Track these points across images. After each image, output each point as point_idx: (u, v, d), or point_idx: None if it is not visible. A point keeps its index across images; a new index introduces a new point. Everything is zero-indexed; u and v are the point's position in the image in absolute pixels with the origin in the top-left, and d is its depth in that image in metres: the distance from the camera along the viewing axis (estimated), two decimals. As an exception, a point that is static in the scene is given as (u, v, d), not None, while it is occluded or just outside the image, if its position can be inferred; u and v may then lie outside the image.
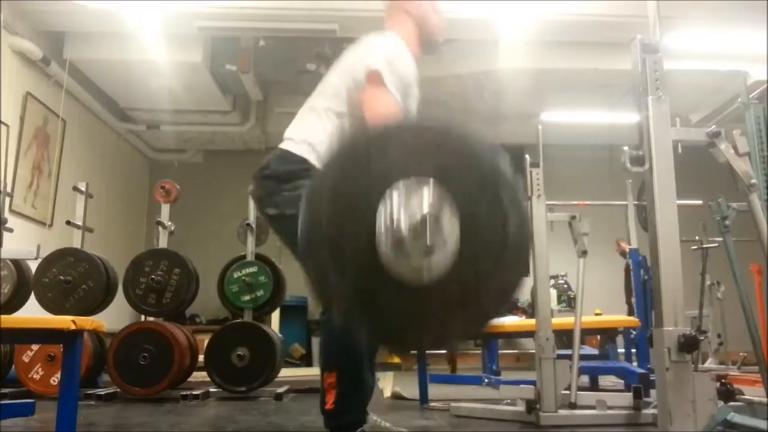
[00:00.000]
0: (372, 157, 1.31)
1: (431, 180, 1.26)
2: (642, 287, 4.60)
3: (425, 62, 6.85)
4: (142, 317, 4.34)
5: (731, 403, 2.04)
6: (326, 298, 1.32)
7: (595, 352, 5.05)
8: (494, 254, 1.29)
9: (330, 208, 1.29)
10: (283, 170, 1.93)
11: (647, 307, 4.56)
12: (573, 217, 3.05)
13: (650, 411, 2.68)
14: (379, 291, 1.28)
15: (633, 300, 5.01)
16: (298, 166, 1.91)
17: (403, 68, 1.94)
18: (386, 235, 1.23)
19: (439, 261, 1.24)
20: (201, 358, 4.00)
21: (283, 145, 2.00)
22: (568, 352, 3.10)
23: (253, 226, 4.16)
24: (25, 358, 3.68)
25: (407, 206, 1.23)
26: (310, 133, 1.97)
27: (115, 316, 4.33)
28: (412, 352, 1.39)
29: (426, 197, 1.24)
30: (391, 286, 1.25)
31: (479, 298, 1.30)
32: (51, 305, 3.75)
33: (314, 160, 1.91)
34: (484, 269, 1.29)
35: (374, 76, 1.85)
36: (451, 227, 1.25)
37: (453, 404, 3.06)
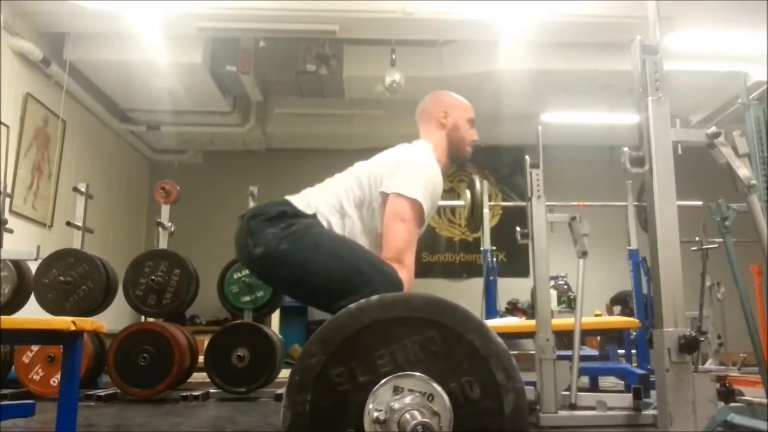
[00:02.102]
0: (369, 337, 1.29)
1: (421, 375, 1.26)
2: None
3: (425, 63, 6.86)
4: (142, 318, 4.34)
5: (731, 404, 2.04)
6: None
7: (595, 353, 5.05)
8: None
9: (316, 395, 1.27)
10: (276, 210, 1.83)
11: (647, 307, 4.56)
12: (573, 218, 3.05)
13: (650, 412, 2.68)
14: None
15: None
16: (294, 211, 1.84)
17: (434, 191, 1.88)
18: (375, 428, 1.22)
19: None
20: (201, 359, 4.00)
21: (286, 197, 1.92)
22: (568, 353, 3.10)
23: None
24: (25, 359, 3.68)
25: (398, 405, 1.22)
26: (317, 201, 1.89)
27: (115, 317, 4.33)
28: None
29: (415, 397, 1.24)
30: None
31: None
32: (51, 306, 3.75)
33: (309, 212, 1.85)
34: None
35: (409, 205, 1.78)
36: (444, 415, 1.24)
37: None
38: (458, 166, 8.73)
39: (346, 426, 1.25)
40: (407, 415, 1.21)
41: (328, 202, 1.89)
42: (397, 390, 1.25)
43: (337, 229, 1.86)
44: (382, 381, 1.26)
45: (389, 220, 1.80)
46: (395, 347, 1.28)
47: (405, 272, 1.73)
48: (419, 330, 1.30)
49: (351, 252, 1.76)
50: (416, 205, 1.79)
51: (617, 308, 7.01)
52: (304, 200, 1.89)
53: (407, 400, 1.24)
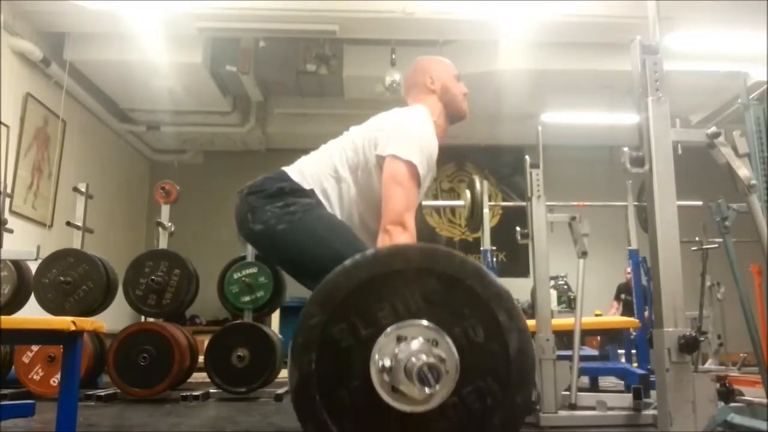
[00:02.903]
0: (369, 290, 1.29)
1: (423, 322, 1.26)
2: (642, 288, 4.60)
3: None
4: (142, 318, 4.34)
5: (731, 404, 2.04)
6: None
7: (595, 353, 5.05)
8: (499, 376, 1.28)
9: (320, 354, 1.27)
10: (275, 187, 1.84)
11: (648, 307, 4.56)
12: (573, 218, 3.05)
13: (650, 412, 2.68)
14: (381, 428, 1.27)
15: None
16: (291, 186, 1.84)
17: (430, 153, 1.88)
18: (382, 382, 1.22)
19: (441, 397, 1.23)
20: (201, 358, 4.00)
21: (282, 168, 1.93)
22: (568, 352, 3.10)
23: (253, 226, 4.15)
24: (25, 359, 3.68)
25: (404, 353, 1.22)
26: (313, 170, 1.89)
27: (115, 317, 4.33)
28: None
29: (419, 343, 1.24)
30: (393, 418, 1.24)
31: (489, 422, 1.28)
32: (51, 306, 3.75)
33: (310, 188, 1.85)
34: (489, 392, 1.28)
35: (406, 166, 1.77)
36: (449, 359, 1.24)
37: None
38: (458, 166, 8.74)
39: (353, 380, 1.25)
40: (413, 359, 1.20)
41: (322, 169, 1.89)
42: (400, 339, 1.25)
43: (333, 195, 1.87)
44: (385, 332, 1.26)
45: (386, 183, 1.79)
46: (395, 300, 1.28)
47: (407, 234, 1.72)
48: (418, 280, 1.31)
49: (344, 243, 1.75)
50: (412, 168, 1.78)
51: (623, 296, 7.00)
52: (300, 172, 1.89)
53: (412, 346, 1.23)
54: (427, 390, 1.19)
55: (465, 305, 1.30)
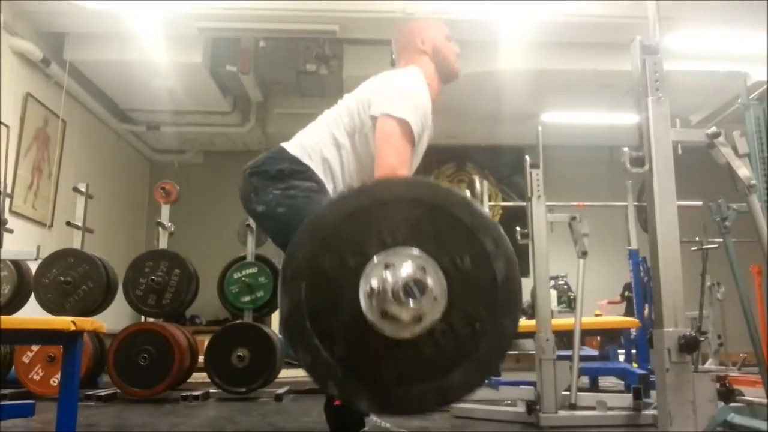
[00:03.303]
0: (356, 221, 1.30)
1: (411, 250, 1.27)
2: (642, 288, 4.60)
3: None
4: (142, 318, 4.34)
5: (731, 404, 2.04)
6: (321, 374, 1.28)
7: (595, 353, 5.05)
8: (486, 302, 1.29)
9: (311, 271, 1.28)
10: (275, 168, 1.87)
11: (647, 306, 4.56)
12: (573, 218, 3.05)
13: (650, 412, 2.68)
14: (371, 353, 1.28)
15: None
16: (292, 167, 1.86)
17: (424, 112, 1.89)
18: (371, 306, 1.23)
19: (429, 321, 1.24)
20: (201, 358, 4.00)
21: (281, 144, 1.96)
22: (568, 353, 3.10)
23: (253, 227, 4.16)
24: (25, 359, 3.68)
25: (391, 276, 1.23)
26: (312, 143, 1.92)
27: (115, 317, 4.33)
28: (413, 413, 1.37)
29: (408, 266, 1.24)
30: (378, 341, 1.25)
31: (478, 347, 1.29)
32: (51, 306, 3.75)
33: (311, 166, 1.87)
34: (477, 318, 1.29)
35: (398, 124, 1.77)
36: (437, 285, 1.24)
37: (453, 405, 3.05)
38: (458, 166, 8.74)
39: (342, 308, 1.27)
40: (399, 280, 1.22)
41: (322, 138, 1.91)
42: (388, 266, 1.25)
43: (335, 164, 1.88)
44: (373, 259, 1.26)
45: (378, 142, 1.79)
46: (382, 230, 1.29)
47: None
48: (405, 211, 1.32)
49: None
50: (405, 125, 1.78)
51: (626, 293, 7.01)
52: (300, 146, 1.90)
53: (399, 270, 1.24)
54: (411, 303, 1.19)
55: (452, 234, 1.31)
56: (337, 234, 1.29)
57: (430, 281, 1.23)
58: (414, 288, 1.20)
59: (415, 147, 1.85)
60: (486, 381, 1.32)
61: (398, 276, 1.22)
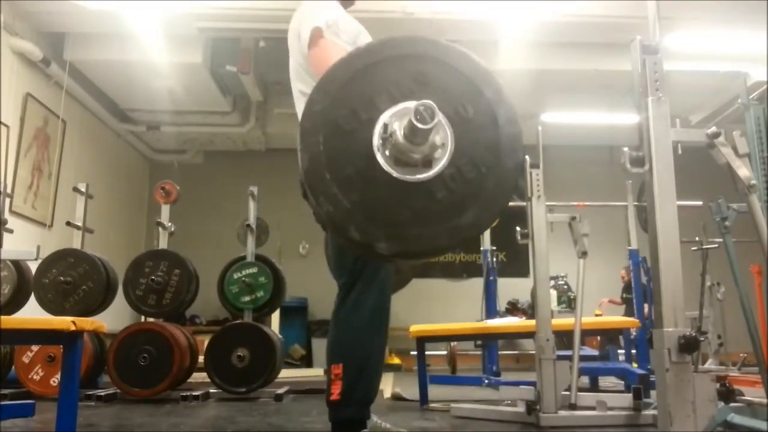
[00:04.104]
0: (366, 75, 1.41)
1: (424, 101, 1.32)
2: (642, 288, 4.60)
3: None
4: (142, 318, 4.34)
5: (731, 404, 2.04)
6: (342, 220, 1.36)
7: (595, 353, 5.06)
8: (490, 146, 1.39)
9: (326, 135, 1.37)
10: None
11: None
12: (573, 218, 3.05)
13: (650, 412, 2.68)
14: (387, 197, 1.36)
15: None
16: None
17: (339, 18, 1.99)
18: (384, 152, 1.33)
19: (438, 166, 1.34)
20: (201, 358, 4.00)
21: None
22: (568, 353, 3.10)
23: (253, 226, 4.16)
24: (25, 359, 3.68)
25: (401, 123, 1.32)
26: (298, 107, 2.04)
27: (115, 317, 4.33)
28: (426, 256, 1.49)
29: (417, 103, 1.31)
30: (393, 184, 1.34)
31: (485, 188, 1.39)
32: (51, 306, 3.75)
33: None
34: (482, 161, 1.39)
35: (315, 33, 1.88)
36: (443, 133, 1.35)
37: (453, 405, 3.05)
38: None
39: (358, 158, 1.36)
40: (411, 110, 1.30)
41: (297, 97, 2.11)
42: (397, 115, 1.36)
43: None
44: (385, 111, 1.37)
45: (309, 56, 1.93)
46: (390, 85, 1.40)
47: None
48: (407, 65, 1.42)
49: None
50: (315, 33, 1.89)
51: (624, 295, 7.01)
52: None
53: (409, 113, 1.31)
54: (421, 125, 1.27)
55: (454, 85, 1.42)
56: (349, 90, 1.39)
57: (436, 114, 1.30)
58: (425, 113, 1.28)
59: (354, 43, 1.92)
60: (495, 217, 1.41)
61: (408, 109, 1.31)
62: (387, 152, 1.33)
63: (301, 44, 1.98)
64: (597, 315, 6.76)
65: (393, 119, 1.34)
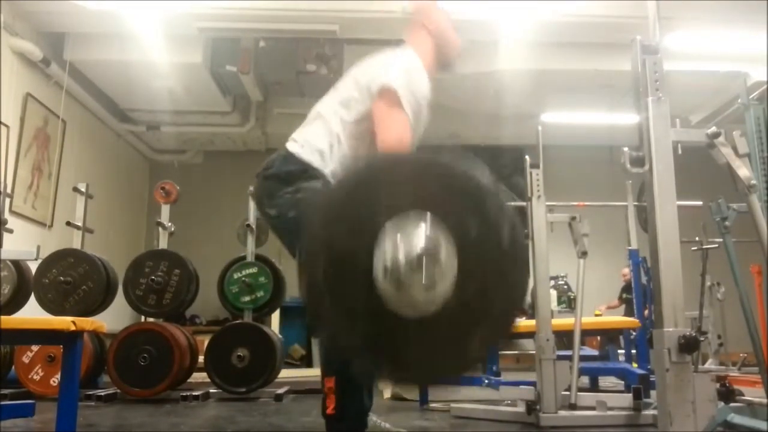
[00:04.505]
0: (363, 195, 1.34)
1: (425, 214, 1.29)
2: (642, 288, 4.60)
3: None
4: (142, 318, 4.34)
5: (731, 404, 2.04)
6: (343, 353, 1.33)
7: (595, 353, 5.05)
8: (495, 268, 1.32)
9: (326, 249, 1.31)
10: (285, 171, 1.90)
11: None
12: (573, 218, 3.05)
13: (650, 412, 2.68)
14: (385, 327, 1.30)
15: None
16: (301, 168, 1.89)
17: (419, 89, 1.91)
18: (384, 274, 1.26)
19: (441, 292, 1.27)
20: (201, 358, 4.00)
21: (288, 146, 1.98)
22: (568, 353, 3.10)
23: (253, 226, 4.16)
24: (25, 359, 3.68)
25: (403, 244, 1.26)
26: (315, 138, 1.94)
27: (115, 317, 4.33)
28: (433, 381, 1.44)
29: (421, 234, 1.27)
30: (396, 319, 1.27)
31: (490, 313, 1.33)
32: (51, 306, 3.75)
33: (317, 165, 1.89)
34: (487, 284, 1.32)
35: (391, 95, 1.81)
36: (447, 257, 1.28)
37: (453, 405, 3.05)
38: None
39: (359, 284, 1.30)
40: (412, 253, 1.25)
41: (315, 131, 1.96)
42: (399, 240, 1.29)
43: (329, 148, 1.90)
44: (384, 228, 1.30)
45: (376, 117, 1.83)
46: (390, 205, 1.34)
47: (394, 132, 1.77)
48: (409, 183, 1.36)
49: None
50: (395, 94, 1.81)
51: (624, 295, 7.01)
52: (303, 146, 1.93)
53: (411, 244, 1.27)
54: (424, 274, 1.23)
55: (456, 203, 1.35)
56: (349, 212, 1.34)
57: (440, 251, 1.26)
58: (426, 259, 1.24)
59: (415, 119, 1.87)
60: (501, 339, 1.38)
61: (410, 249, 1.26)
62: (389, 280, 1.26)
63: (372, 86, 1.88)
64: (597, 315, 6.77)
65: (395, 247, 1.28)
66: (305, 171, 1.88)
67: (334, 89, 2.05)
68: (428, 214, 1.29)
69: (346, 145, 1.92)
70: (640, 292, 4.54)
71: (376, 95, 1.85)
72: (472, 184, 1.36)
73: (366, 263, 1.28)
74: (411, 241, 1.27)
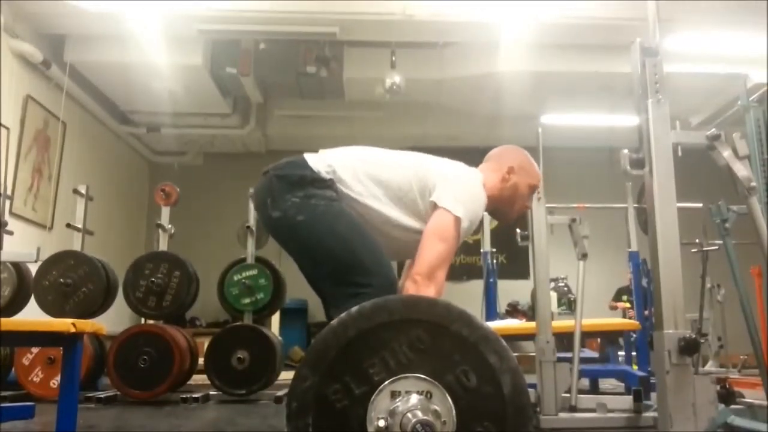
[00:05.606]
0: (369, 345, 1.30)
1: (415, 375, 1.27)
2: (642, 290, 4.60)
3: (426, 65, 6.84)
4: (142, 320, 4.34)
5: (731, 406, 2.04)
6: None
7: (596, 355, 5.04)
8: (496, 419, 1.28)
9: (316, 415, 1.27)
10: (298, 174, 1.81)
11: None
12: (573, 220, 3.05)
13: (650, 414, 2.68)
14: None
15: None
16: (313, 175, 1.81)
17: (476, 218, 1.85)
18: None
19: None
20: (201, 361, 4.00)
21: (306, 155, 1.89)
22: (568, 355, 3.10)
23: (253, 228, 4.16)
24: (25, 361, 3.68)
25: (398, 413, 1.23)
26: (335, 160, 1.86)
27: (115, 319, 4.33)
28: None
29: (413, 398, 1.25)
30: None
31: None
32: (51, 308, 3.75)
33: (331, 177, 1.82)
34: None
35: (455, 218, 1.75)
36: (445, 409, 1.25)
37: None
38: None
39: None
40: (408, 415, 1.22)
41: (355, 176, 1.84)
42: (394, 395, 1.26)
43: (368, 201, 1.83)
44: (378, 389, 1.26)
45: (430, 234, 1.76)
46: (385, 353, 1.29)
47: (434, 289, 1.71)
48: (404, 331, 1.31)
49: (363, 246, 1.75)
50: (458, 225, 1.76)
51: (624, 297, 7.00)
52: (324, 163, 1.84)
53: (406, 402, 1.25)
54: None
55: (455, 351, 1.30)
56: (341, 361, 1.29)
57: (438, 419, 1.23)
58: (422, 430, 1.20)
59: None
60: None
61: (407, 411, 1.22)
62: None
63: (435, 196, 1.80)
64: (612, 308, 6.81)
65: (389, 402, 1.25)
66: (319, 179, 1.81)
67: (390, 167, 1.90)
68: (422, 370, 1.27)
69: (373, 205, 1.83)
70: (641, 295, 4.54)
71: (441, 209, 1.77)
72: (469, 328, 1.32)
73: (359, 412, 1.25)
74: (407, 404, 1.24)
